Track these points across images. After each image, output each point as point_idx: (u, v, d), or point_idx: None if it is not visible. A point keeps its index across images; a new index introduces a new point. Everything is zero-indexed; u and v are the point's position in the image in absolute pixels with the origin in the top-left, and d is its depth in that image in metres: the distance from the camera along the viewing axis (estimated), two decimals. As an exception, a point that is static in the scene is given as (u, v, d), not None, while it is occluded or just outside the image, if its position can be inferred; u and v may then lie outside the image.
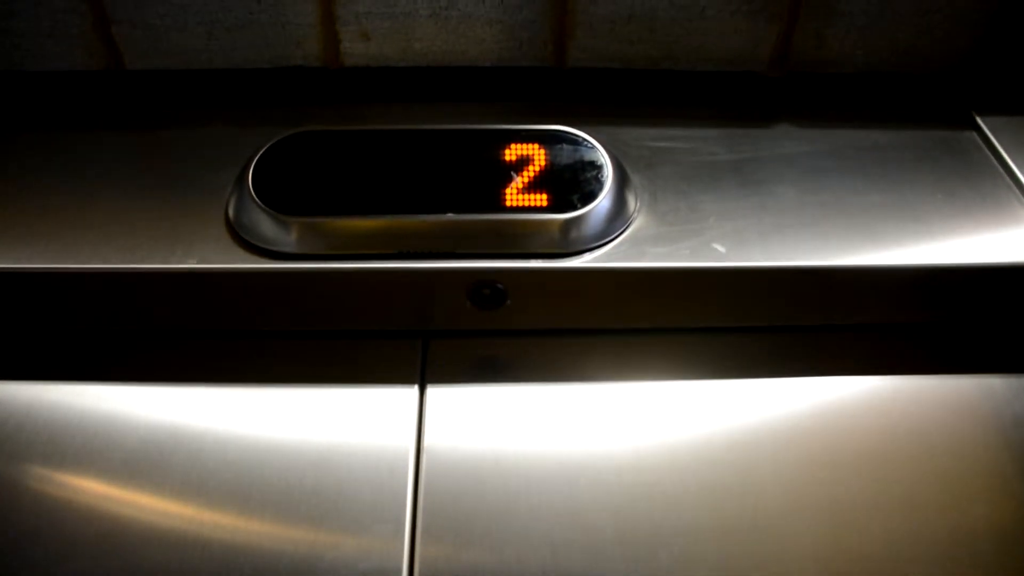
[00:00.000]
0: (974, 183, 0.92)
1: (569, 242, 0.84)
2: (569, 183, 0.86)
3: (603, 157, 0.88)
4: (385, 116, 0.99)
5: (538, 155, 0.87)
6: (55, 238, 0.85)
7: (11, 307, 0.87)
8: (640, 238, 0.86)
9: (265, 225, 0.83)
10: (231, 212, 0.86)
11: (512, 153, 0.88)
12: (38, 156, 0.93)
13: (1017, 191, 0.91)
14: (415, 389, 0.85)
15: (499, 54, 0.99)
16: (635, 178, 0.91)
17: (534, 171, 0.86)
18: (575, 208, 0.84)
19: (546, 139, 0.89)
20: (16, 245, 0.84)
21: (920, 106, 1.01)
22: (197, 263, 0.83)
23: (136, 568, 0.74)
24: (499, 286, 0.84)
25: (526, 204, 0.84)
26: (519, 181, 0.85)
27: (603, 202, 0.85)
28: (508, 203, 0.84)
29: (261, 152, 0.88)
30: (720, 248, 0.85)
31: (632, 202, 0.88)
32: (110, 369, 0.87)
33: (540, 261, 0.83)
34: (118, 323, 0.88)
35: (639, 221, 0.87)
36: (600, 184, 0.86)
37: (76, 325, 0.89)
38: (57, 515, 0.77)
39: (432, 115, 0.97)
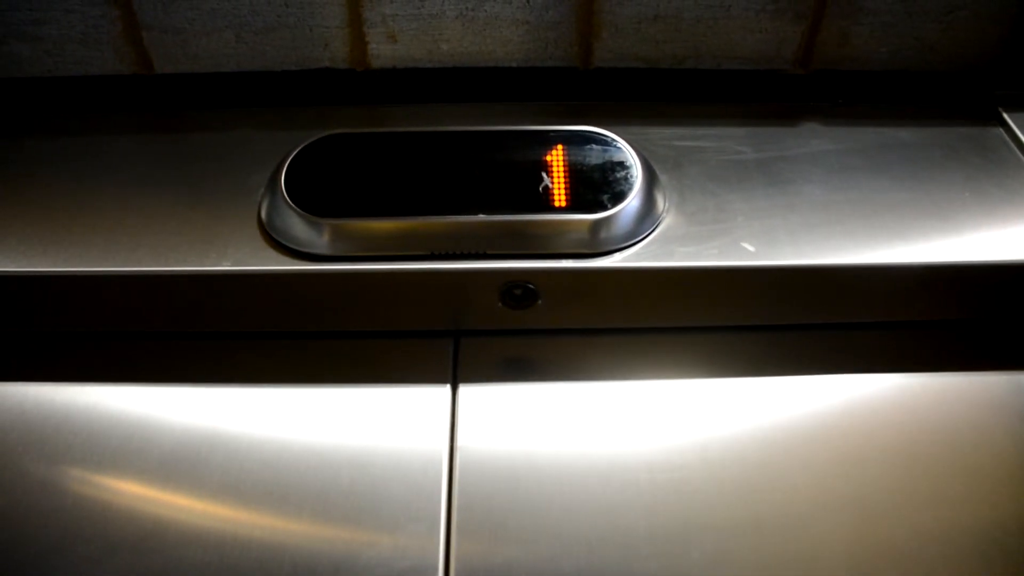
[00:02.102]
0: (1001, 180, 0.92)
1: (599, 242, 0.84)
2: (598, 183, 0.86)
3: (631, 157, 0.88)
4: (412, 117, 0.99)
5: (567, 155, 0.88)
6: (89, 242, 0.86)
7: (47, 311, 0.88)
8: (669, 238, 0.86)
9: (298, 227, 0.84)
10: (264, 214, 0.87)
11: (541, 154, 0.88)
12: (70, 161, 0.94)
13: (1045, 187, 0.91)
14: (447, 388, 0.86)
15: (525, 55, 1.00)
16: (663, 178, 0.91)
17: (563, 171, 0.87)
18: (605, 208, 0.84)
19: (575, 139, 0.89)
20: (50, 249, 0.85)
21: (946, 103, 1.01)
22: (231, 265, 0.83)
23: (176, 567, 0.75)
24: (530, 286, 0.85)
25: (556, 204, 0.85)
26: (548, 181, 0.86)
27: (632, 202, 0.85)
28: (538, 204, 0.85)
29: (293, 154, 0.88)
30: (749, 247, 0.85)
31: (661, 202, 0.88)
32: (146, 371, 0.88)
33: (571, 261, 0.84)
34: (153, 325, 0.90)
35: (668, 221, 0.88)
36: (629, 184, 0.86)
37: (112, 328, 0.90)
38: (97, 514, 0.78)
39: (459, 116, 0.98)
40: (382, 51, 0.99)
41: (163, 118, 1.00)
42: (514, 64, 1.01)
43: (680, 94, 1.02)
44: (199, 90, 1.01)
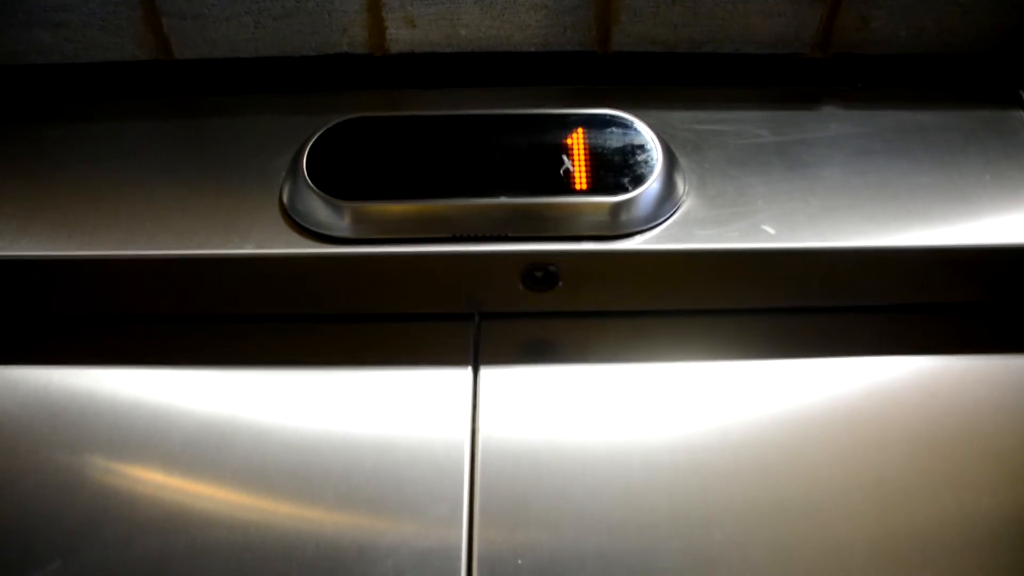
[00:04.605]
0: (1022, 163, 0.92)
1: (620, 225, 0.84)
2: (619, 166, 0.86)
3: (651, 140, 0.88)
4: (431, 102, 0.99)
5: (588, 139, 0.88)
6: (112, 227, 0.86)
7: (71, 294, 0.89)
8: (689, 220, 0.86)
9: (320, 210, 0.84)
10: (285, 198, 0.87)
11: (561, 137, 0.88)
12: (92, 147, 0.95)
13: (1066, 170, 0.91)
14: (469, 371, 0.86)
15: (544, 39, 1.00)
16: (683, 161, 0.91)
17: (584, 155, 0.87)
18: (625, 191, 0.84)
19: (595, 123, 0.89)
20: (73, 234, 0.86)
21: (966, 86, 1.01)
22: (253, 249, 0.84)
23: (201, 548, 0.76)
24: (551, 268, 0.85)
25: (577, 187, 0.85)
26: (569, 165, 0.86)
27: (653, 185, 0.85)
28: (559, 186, 0.85)
29: (315, 138, 0.88)
30: (770, 230, 0.85)
31: (681, 185, 0.88)
32: (169, 354, 0.88)
33: (591, 244, 0.84)
34: (176, 309, 0.90)
35: (688, 204, 0.88)
36: (649, 167, 0.86)
37: (136, 311, 0.90)
38: (122, 496, 0.79)
39: (478, 100, 0.97)
40: (400, 36, 0.99)
41: (183, 104, 1.01)
42: (532, 49, 1.01)
43: (699, 78, 1.02)
44: (218, 76, 1.02)
